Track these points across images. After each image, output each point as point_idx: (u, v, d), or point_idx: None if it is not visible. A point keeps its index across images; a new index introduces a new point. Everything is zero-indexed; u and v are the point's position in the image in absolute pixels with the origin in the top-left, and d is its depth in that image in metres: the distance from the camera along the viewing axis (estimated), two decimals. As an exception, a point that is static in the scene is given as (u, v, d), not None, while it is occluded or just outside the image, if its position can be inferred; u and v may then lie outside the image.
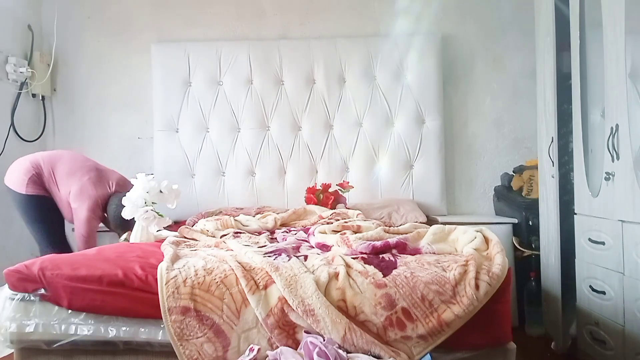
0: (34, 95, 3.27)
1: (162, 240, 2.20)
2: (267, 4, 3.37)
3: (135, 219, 2.36)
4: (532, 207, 2.84)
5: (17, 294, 1.67)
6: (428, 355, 1.49)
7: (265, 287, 1.58)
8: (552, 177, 2.59)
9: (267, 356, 1.46)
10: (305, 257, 1.79)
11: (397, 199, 3.08)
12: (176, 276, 1.62)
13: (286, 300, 1.53)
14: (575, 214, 2.39)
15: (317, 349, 1.39)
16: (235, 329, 1.55)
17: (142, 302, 1.62)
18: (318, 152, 3.25)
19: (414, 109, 3.22)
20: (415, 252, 1.84)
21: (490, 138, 3.31)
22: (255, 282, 1.59)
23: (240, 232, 2.34)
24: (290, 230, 2.44)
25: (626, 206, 1.94)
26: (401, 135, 3.23)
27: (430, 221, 2.81)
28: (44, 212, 2.60)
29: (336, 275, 1.60)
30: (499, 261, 1.63)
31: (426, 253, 1.82)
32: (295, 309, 1.52)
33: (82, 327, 1.64)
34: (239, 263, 1.67)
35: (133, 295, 1.63)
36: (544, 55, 2.69)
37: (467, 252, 1.71)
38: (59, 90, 3.40)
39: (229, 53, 3.26)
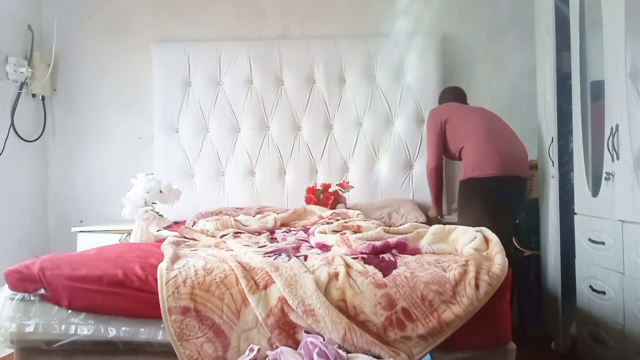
0: (34, 95, 3.27)
1: (162, 240, 2.20)
2: (267, 4, 3.37)
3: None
4: (532, 207, 2.84)
5: (17, 294, 1.67)
6: (428, 355, 1.49)
7: (265, 287, 1.58)
8: (552, 177, 2.59)
9: (267, 356, 1.45)
10: (305, 257, 1.79)
11: (397, 199, 3.08)
12: (176, 276, 1.62)
13: (286, 300, 1.53)
14: (575, 214, 2.39)
15: (317, 349, 1.39)
16: (235, 329, 1.55)
17: (142, 302, 1.62)
18: (318, 152, 3.25)
19: (414, 109, 3.22)
20: (415, 252, 1.84)
21: (490, 138, 3.30)
22: (255, 282, 1.59)
23: (240, 232, 2.34)
24: (290, 230, 2.44)
25: (626, 206, 1.94)
26: (401, 135, 3.23)
27: (430, 221, 2.81)
28: None
29: (336, 275, 1.60)
30: (499, 261, 1.63)
31: (426, 253, 1.82)
32: (295, 309, 1.52)
33: (82, 327, 1.63)
34: (239, 263, 1.67)
35: (133, 295, 1.63)
36: (544, 55, 2.69)
37: (467, 252, 1.71)
38: (59, 90, 3.40)
39: (229, 53, 3.26)
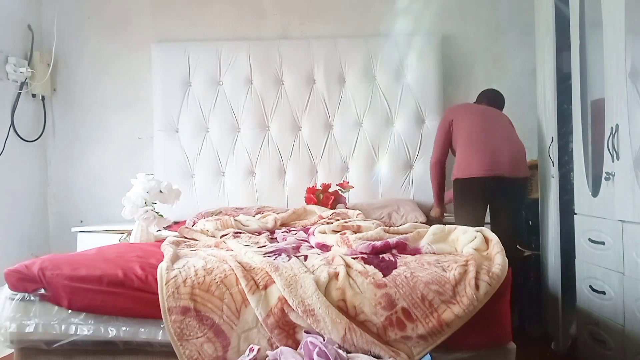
0: (34, 95, 3.27)
1: (162, 240, 2.20)
2: (267, 4, 3.37)
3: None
4: (532, 207, 2.84)
5: (17, 294, 1.67)
6: (428, 355, 1.49)
7: (265, 287, 1.58)
8: (552, 177, 2.59)
9: (267, 356, 1.45)
10: (305, 257, 1.79)
11: (397, 199, 3.08)
12: (176, 276, 1.62)
13: (286, 300, 1.53)
14: (575, 214, 2.39)
15: (317, 349, 1.39)
16: (235, 329, 1.55)
17: (142, 302, 1.62)
18: (318, 152, 3.25)
19: (414, 109, 3.22)
20: (415, 252, 1.84)
21: (490, 138, 3.30)
22: (255, 282, 1.59)
23: (240, 232, 2.34)
24: (290, 230, 2.44)
25: (626, 206, 1.94)
26: (401, 135, 3.23)
27: (430, 221, 2.81)
28: None
29: (336, 275, 1.60)
30: (499, 261, 1.63)
31: (426, 253, 1.82)
32: (295, 309, 1.52)
33: (82, 327, 1.64)
34: (239, 263, 1.67)
35: (133, 295, 1.63)
36: (544, 55, 2.69)
37: (467, 252, 1.71)
38: (59, 90, 3.40)
39: (229, 53, 3.26)
